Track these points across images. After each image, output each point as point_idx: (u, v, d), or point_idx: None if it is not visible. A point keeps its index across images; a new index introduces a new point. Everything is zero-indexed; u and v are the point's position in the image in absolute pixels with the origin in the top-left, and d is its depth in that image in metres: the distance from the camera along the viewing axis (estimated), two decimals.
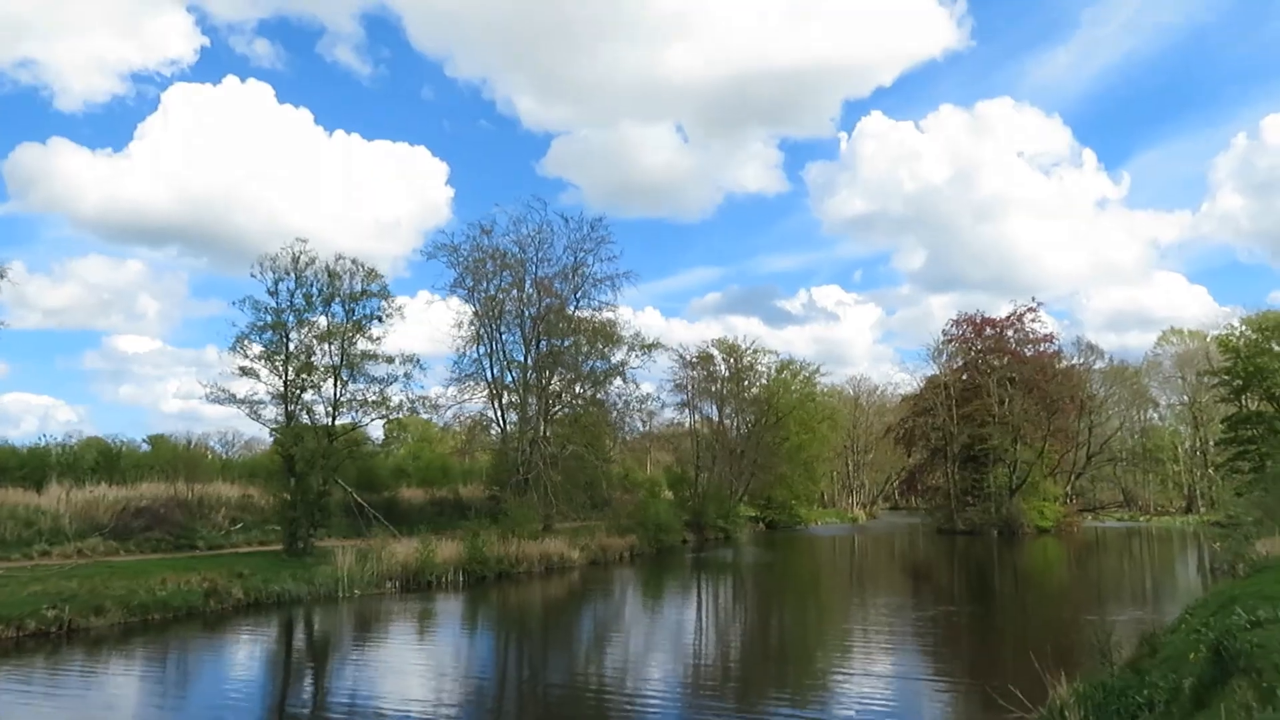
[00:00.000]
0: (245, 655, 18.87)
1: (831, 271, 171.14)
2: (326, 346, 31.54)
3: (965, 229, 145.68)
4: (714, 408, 64.50)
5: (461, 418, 44.70)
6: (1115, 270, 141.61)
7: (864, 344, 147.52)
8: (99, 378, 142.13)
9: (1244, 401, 65.77)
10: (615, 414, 47.14)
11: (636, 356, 48.27)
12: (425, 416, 43.87)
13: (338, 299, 31.72)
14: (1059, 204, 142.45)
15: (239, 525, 35.56)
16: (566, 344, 44.85)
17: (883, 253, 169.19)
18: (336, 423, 31.81)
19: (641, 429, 51.03)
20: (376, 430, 49.81)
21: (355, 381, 31.84)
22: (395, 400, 32.00)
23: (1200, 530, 37.48)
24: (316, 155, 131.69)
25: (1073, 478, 69.30)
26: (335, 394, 31.64)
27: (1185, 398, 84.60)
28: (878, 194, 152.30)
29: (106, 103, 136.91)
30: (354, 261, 32.13)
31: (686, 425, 63.36)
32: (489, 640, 22.25)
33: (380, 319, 31.89)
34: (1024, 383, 62.74)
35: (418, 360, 32.77)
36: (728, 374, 64.87)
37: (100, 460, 41.86)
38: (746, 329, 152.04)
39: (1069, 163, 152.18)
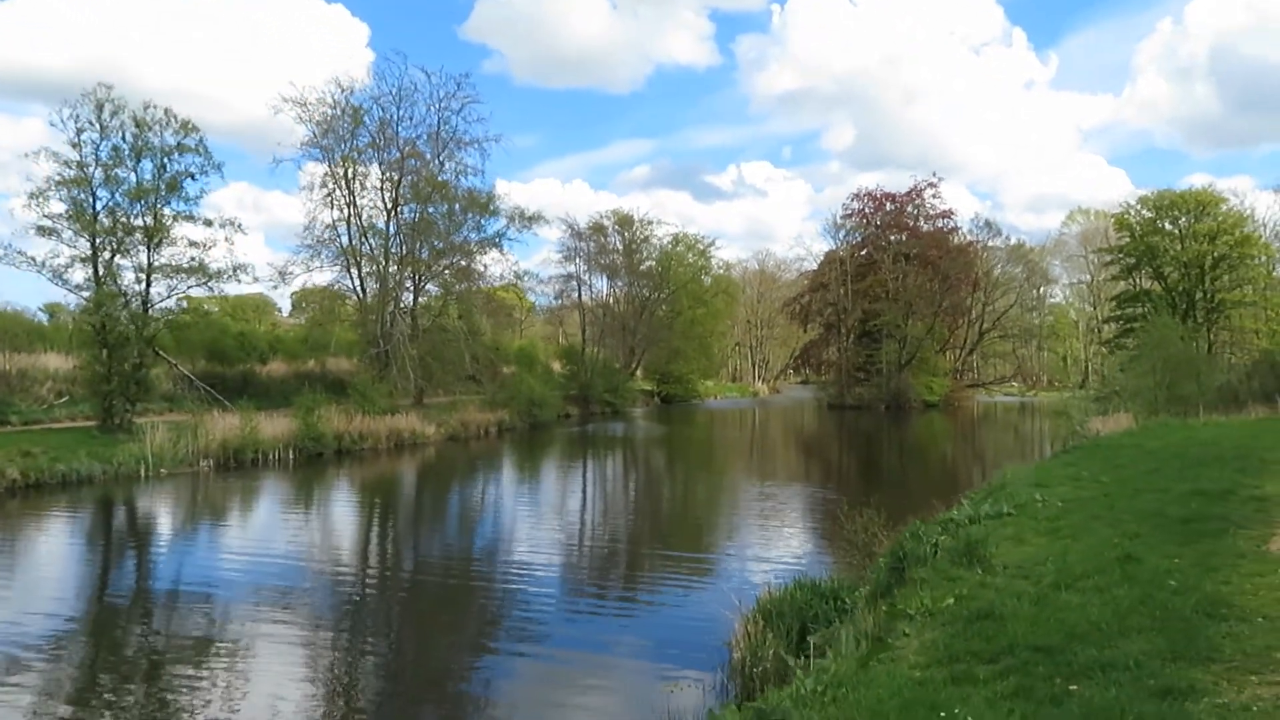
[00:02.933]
0: None
1: (761, 148, 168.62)
2: (138, 207, 28.63)
3: (895, 108, 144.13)
4: (605, 280, 62.78)
5: (318, 288, 42.10)
6: (1039, 153, 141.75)
7: (793, 221, 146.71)
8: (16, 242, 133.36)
9: (1135, 279, 66.30)
10: (487, 284, 45.04)
11: (517, 228, 45.96)
12: (271, 285, 41.12)
13: (148, 154, 28.65)
14: (988, 85, 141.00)
15: (64, 399, 33.10)
16: (434, 211, 42.25)
17: (812, 130, 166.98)
18: (152, 290, 29.21)
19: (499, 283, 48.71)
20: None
21: (171, 245, 29.08)
22: (215, 267, 29.36)
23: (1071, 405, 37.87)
24: (228, 10, 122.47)
25: (964, 354, 69.69)
26: (149, 259, 28.93)
27: (1087, 276, 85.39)
28: (809, 70, 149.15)
29: None
30: (166, 111, 29.00)
31: (574, 299, 61.49)
32: (307, 519, 20.65)
33: (194, 176, 29.02)
34: (919, 258, 62.12)
35: (238, 223, 30.07)
36: (621, 246, 62.89)
37: None
38: (675, 204, 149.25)
39: (999, 42, 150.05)
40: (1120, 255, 64.16)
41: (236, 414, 29.31)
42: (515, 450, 35.82)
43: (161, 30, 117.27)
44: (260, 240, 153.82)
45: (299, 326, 49.12)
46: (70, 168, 28.14)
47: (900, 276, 60.97)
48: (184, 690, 9.05)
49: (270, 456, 28.41)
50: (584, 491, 25.94)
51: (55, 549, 16.66)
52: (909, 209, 63.56)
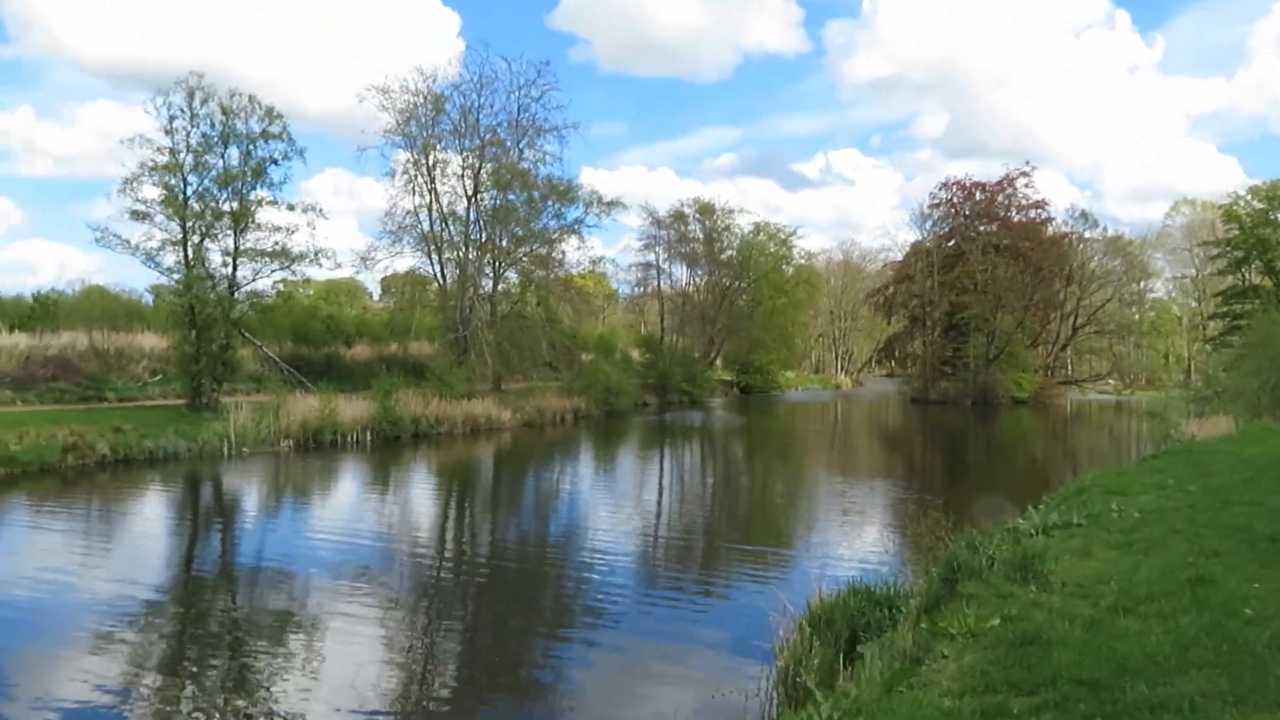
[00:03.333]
0: (66, 518, 17.59)
1: (850, 136, 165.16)
2: (225, 192, 29.40)
3: (989, 94, 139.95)
4: (685, 269, 62.39)
5: (404, 274, 42.74)
6: (1142, 140, 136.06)
7: (881, 210, 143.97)
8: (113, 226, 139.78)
9: (1244, 274, 63.06)
10: (566, 272, 45.16)
11: (596, 215, 45.98)
12: (355, 271, 41.92)
13: (235, 140, 29.39)
14: (1088, 69, 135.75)
15: (157, 378, 34.35)
16: (514, 198, 42.49)
17: (903, 118, 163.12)
18: (238, 274, 29.99)
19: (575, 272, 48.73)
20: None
21: (256, 230, 29.81)
22: (297, 251, 29.98)
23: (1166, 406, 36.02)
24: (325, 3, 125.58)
25: (1056, 349, 67.23)
26: (235, 243, 29.70)
27: (1192, 270, 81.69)
28: (899, 56, 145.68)
29: None
30: (251, 98, 29.69)
31: (654, 287, 61.28)
32: (384, 500, 20.97)
33: (277, 162, 29.65)
34: (1010, 250, 60.17)
35: (319, 208, 30.64)
36: (701, 235, 62.39)
37: (35, 309, 40.67)
38: (761, 192, 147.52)
39: (1101, 25, 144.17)
40: (1228, 248, 61.07)
41: (317, 396, 29.94)
42: (590, 437, 35.86)
43: (261, 24, 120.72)
44: (353, 225, 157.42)
45: (386, 310, 50.01)
46: (163, 154, 29.05)
47: (989, 268, 59.13)
48: (264, 663, 9.28)
49: (348, 438, 28.93)
50: (658, 480, 25.76)
51: (141, 523, 17.20)
52: (1000, 199, 61.55)
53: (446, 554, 15.51)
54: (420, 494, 22.43)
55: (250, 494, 21.56)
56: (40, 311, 40.11)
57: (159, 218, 29.24)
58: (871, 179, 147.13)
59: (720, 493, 23.82)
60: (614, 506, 20.59)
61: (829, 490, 23.69)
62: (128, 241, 29.33)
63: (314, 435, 27.96)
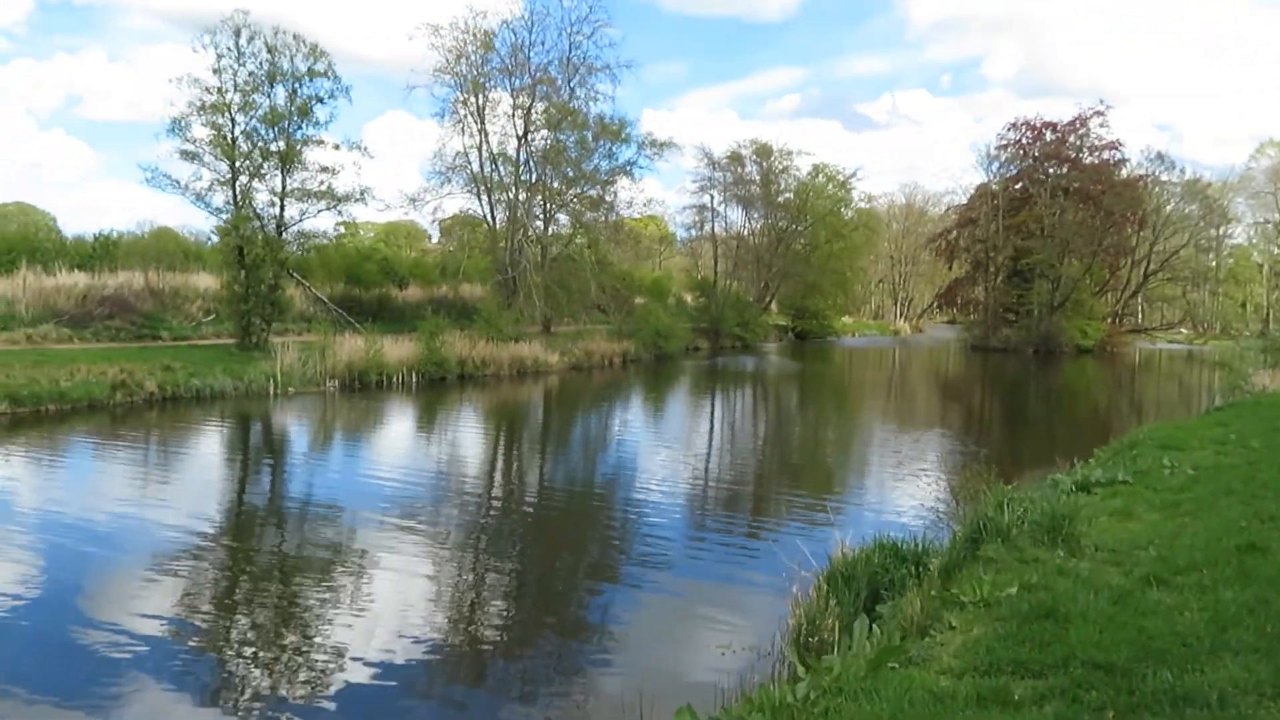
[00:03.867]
0: (115, 454, 17.79)
1: (918, 76, 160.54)
2: (272, 132, 29.29)
3: (1065, 32, 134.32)
4: (740, 211, 61.23)
5: (447, 215, 42.48)
6: (1230, 81, 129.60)
7: (950, 153, 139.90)
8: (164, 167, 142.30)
9: None
10: (617, 215, 44.49)
11: (648, 156, 45.12)
12: (402, 212, 41.75)
13: (281, 79, 29.17)
14: (1172, 6, 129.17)
15: (211, 317, 34.74)
16: (565, 138, 41.83)
17: (974, 57, 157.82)
18: (285, 214, 29.99)
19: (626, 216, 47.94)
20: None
21: (303, 169, 29.72)
22: (342, 191, 29.86)
23: (1237, 356, 34.38)
24: None
25: (1125, 297, 64.83)
26: (283, 183, 29.66)
27: (1276, 215, 78.10)
28: None
29: None
30: (295, 37, 29.41)
31: (708, 230, 60.29)
32: (426, 441, 20.91)
33: (322, 100, 29.40)
34: (1080, 193, 57.82)
35: (364, 147, 30.41)
36: (758, 177, 61.06)
37: (95, 249, 41.41)
38: (825, 134, 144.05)
39: None
40: None
41: (363, 337, 30.01)
42: (638, 381, 35.55)
43: None
44: (414, 168, 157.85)
45: (443, 252, 49.98)
46: (210, 93, 28.98)
47: (1057, 212, 56.93)
48: (312, 597, 9.29)
49: (394, 380, 28.99)
50: (704, 425, 25.33)
51: (187, 460, 17.27)
52: (1071, 139, 58.98)
53: (490, 494, 15.32)
54: (463, 434, 22.34)
55: (295, 433, 21.67)
56: (100, 251, 40.85)
57: (208, 157, 29.34)
58: (940, 121, 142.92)
59: (765, 438, 23.33)
60: (657, 450, 20.29)
61: (880, 438, 23.08)
62: (178, 182, 29.50)
63: (359, 376, 28.05)
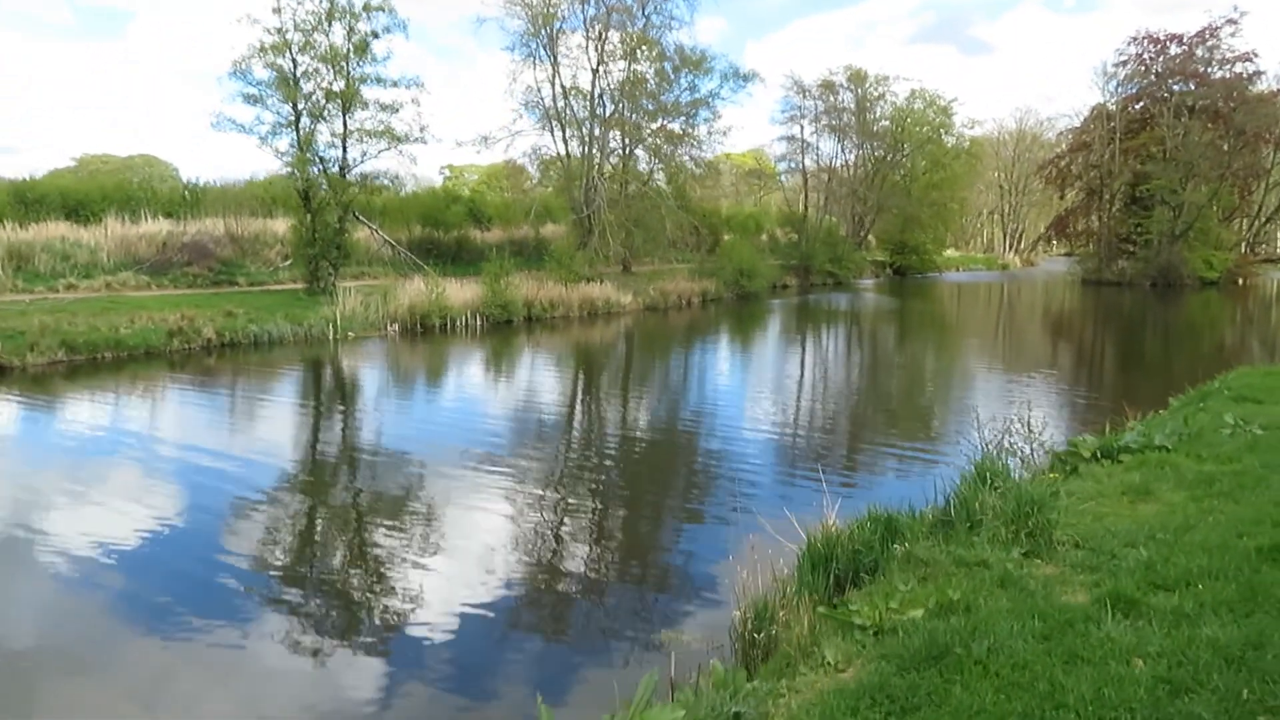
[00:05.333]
0: (157, 400, 17.70)
1: None
2: (331, 71, 28.81)
3: None
4: (835, 142, 58.49)
5: (525, 153, 41.50)
6: None
7: (1074, 76, 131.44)
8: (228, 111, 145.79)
9: None
10: (701, 149, 42.82)
11: (731, 87, 43.25)
12: (474, 150, 40.95)
13: (338, 17, 28.57)
14: None
15: (288, 262, 34.95)
16: (642, 69, 40.33)
17: None
18: (348, 155, 29.61)
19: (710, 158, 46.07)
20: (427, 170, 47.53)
21: (364, 109, 29.21)
22: (401, 129, 29.24)
23: None
24: None
25: (1259, 224, 59.63)
26: (344, 124, 29.25)
27: None
28: None
29: None
30: None
31: (800, 164, 57.84)
32: (477, 385, 20.28)
33: (376, 35, 28.67)
34: (1207, 111, 53.06)
35: (420, 83, 29.64)
36: (853, 105, 58.10)
37: (185, 197, 42.15)
38: (939, 60, 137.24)
39: None
40: None
41: (435, 278, 29.61)
42: (713, 322, 34.34)
43: None
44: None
45: (513, 190, 49.23)
46: (271, 34, 28.63)
47: (1181, 133, 52.37)
48: (388, 544, 9.14)
49: (457, 323, 28.55)
50: (768, 369, 23.98)
51: (226, 409, 16.94)
52: (1199, 52, 53.96)
53: (535, 440, 14.38)
54: (515, 380, 21.46)
55: (348, 378, 21.30)
56: (191, 199, 41.53)
57: (270, 100, 29.10)
58: (1063, 41, 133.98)
59: (835, 383, 21.85)
60: (724, 395, 19.19)
61: (963, 382, 21.36)
62: (242, 125, 29.41)
63: (421, 320, 27.69)
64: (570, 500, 10.81)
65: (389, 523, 9.81)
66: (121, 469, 11.98)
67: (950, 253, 77.00)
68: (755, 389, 20.00)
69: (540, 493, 11.03)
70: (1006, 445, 9.94)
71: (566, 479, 11.83)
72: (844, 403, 18.59)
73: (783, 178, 68.00)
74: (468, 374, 22.19)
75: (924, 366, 24.54)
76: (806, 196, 56.30)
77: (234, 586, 7.96)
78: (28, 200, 34.65)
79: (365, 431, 15.07)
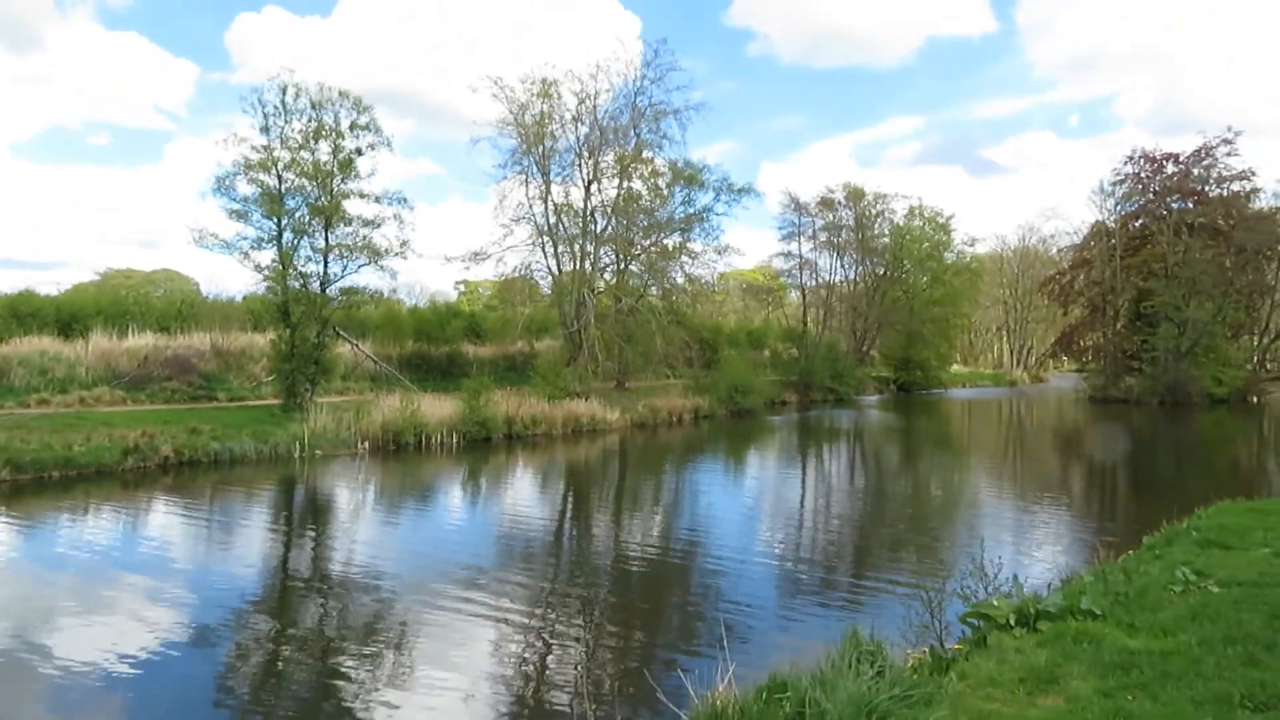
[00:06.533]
0: (79, 527, 16.82)
1: (1045, 118, 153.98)
2: (315, 187, 28.83)
3: (1204, 65, 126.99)
4: (832, 258, 58.51)
5: (516, 268, 41.35)
6: None
7: (1080, 196, 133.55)
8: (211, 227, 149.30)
9: None
10: (690, 264, 42.73)
11: (725, 202, 43.40)
12: (464, 267, 40.94)
13: (325, 135, 28.76)
14: None
15: (272, 377, 34.48)
16: (635, 186, 40.62)
17: (1104, 96, 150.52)
18: (328, 270, 29.42)
19: (712, 279, 46.00)
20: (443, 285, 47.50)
21: (347, 225, 29.13)
22: (384, 245, 29.07)
23: None
24: (510, 13, 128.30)
25: (1265, 340, 58.61)
26: (326, 239, 29.13)
27: None
28: (1100, 30, 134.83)
29: None
30: (341, 92, 29.01)
31: (799, 280, 57.79)
32: (439, 510, 19.25)
33: (360, 152, 28.78)
34: (1206, 228, 52.87)
35: (404, 199, 29.63)
36: (852, 222, 58.36)
37: (181, 309, 42.10)
38: (948, 180, 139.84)
39: None
40: None
41: (411, 394, 28.98)
42: (700, 440, 33.42)
43: (444, 45, 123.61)
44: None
45: (503, 307, 49.06)
46: (258, 151, 28.79)
47: (1182, 250, 52.10)
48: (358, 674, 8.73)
49: (433, 440, 27.76)
50: (754, 492, 22.93)
51: (149, 537, 16.03)
52: (1196, 171, 54.16)
53: (493, 571, 13.26)
54: (483, 503, 20.54)
55: (301, 501, 20.38)
56: (186, 313, 41.46)
57: (255, 215, 29.06)
58: (1069, 163, 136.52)
59: (811, 507, 20.77)
60: (683, 522, 18.14)
61: (944, 512, 20.26)
62: (225, 242, 29.27)
63: (395, 437, 26.93)
64: (509, 646, 9.84)
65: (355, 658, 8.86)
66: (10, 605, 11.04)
67: (957, 368, 76.25)
68: (710, 517, 18.95)
69: (478, 634, 10.09)
70: (962, 590, 8.95)
71: (509, 619, 10.74)
72: (807, 533, 17.51)
73: (789, 293, 68.14)
74: (429, 496, 21.29)
75: (907, 490, 23.45)
76: (805, 312, 55.99)
77: None
78: (20, 314, 34.55)
79: (298, 563, 14.08)
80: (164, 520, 16.98)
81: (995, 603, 6.08)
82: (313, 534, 16.47)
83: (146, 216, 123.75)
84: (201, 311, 41.68)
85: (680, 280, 42.63)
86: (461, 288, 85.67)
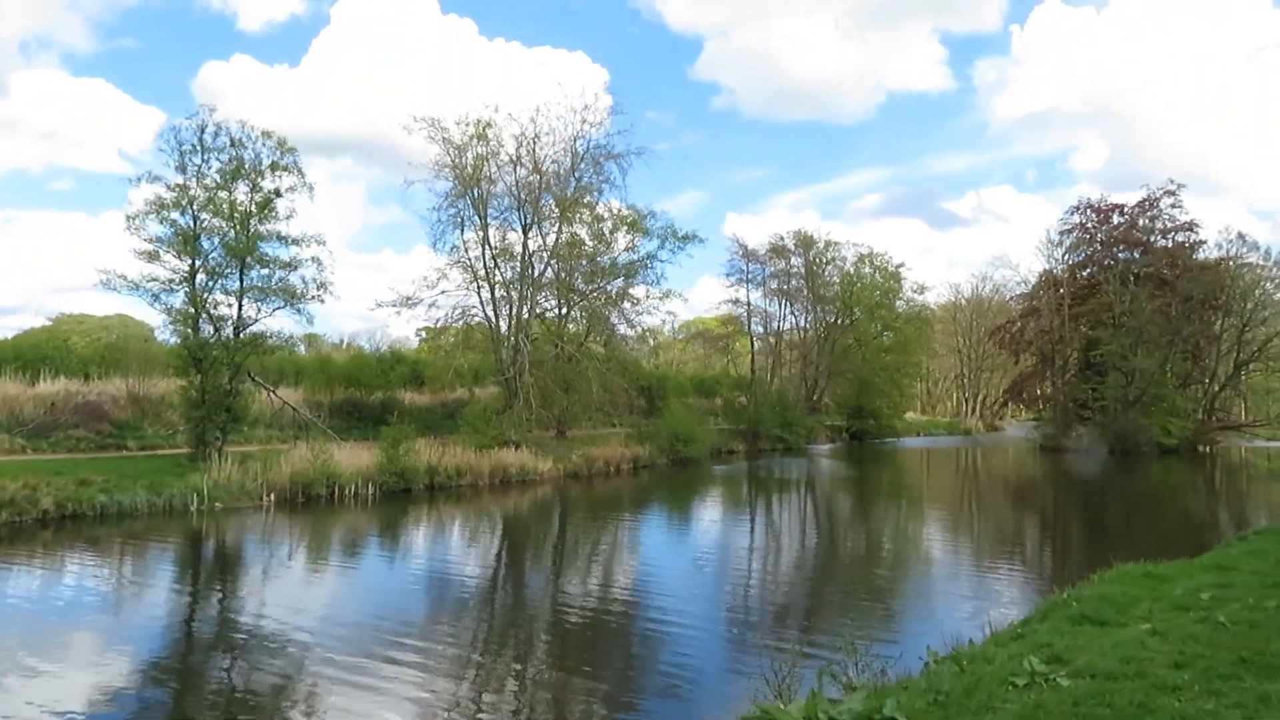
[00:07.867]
0: None
1: (1003, 172, 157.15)
2: (232, 228, 27.75)
3: (1154, 123, 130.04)
4: (783, 305, 58.08)
5: (446, 315, 40.22)
6: None
7: (1030, 244, 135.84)
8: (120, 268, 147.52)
9: None
10: (629, 311, 41.95)
11: (668, 249, 42.76)
12: (393, 310, 39.80)
13: (243, 175, 27.74)
14: (1267, 92, 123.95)
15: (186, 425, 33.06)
16: (572, 232, 39.92)
17: (1059, 151, 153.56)
18: (242, 313, 28.22)
19: (643, 329, 45.33)
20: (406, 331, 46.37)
21: (264, 267, 28.04)
22: (300, 288, 27.97)
23: None
24: (479, 64, 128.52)
25: (1215, 390, 58.60)
26: (241, 281, 28.00)
27: None
28: (1054, 89, 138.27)
29: (285, 21, 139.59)
30: (264, 132, 28.09)
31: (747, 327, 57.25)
32: (335, 569, 17.86)
33: (279, 194, 27.78)
34: (1152, 278, 53.04)
35: (321, 241, 28.59)
36: (802, 269, 58.01)
37: (104, 355, 40.51)
38: (909, 232, 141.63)
39: (1277, 46, 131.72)
40: None
41: (323, 442, 27.72)
42: (636, 492, 32.29)
43: (420, 99, 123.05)
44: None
45: (431, 352, 47.87)
46: (172, 190, 27.70)
47: (1128, 300, 52.16)
48: None
49: (346, 492, 26.45)
50: (685, 546, 21.77)
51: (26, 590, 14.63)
52: (1141, 222, 54.50)
53: (371, 644, 12.08)
54: (388, 561, 19.17)
55: (182, 560, 18.90)
56: (110, 358, 39.90)
57: (167, 256, 27.86)
58: (1026, 216, 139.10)
59: (734, 564, 19.70)
60: (594, 582, 16.96)
61: (863, 572, 19.30)
62: (134, 284, 27.97)
63: (305, 488, 25.58)
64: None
65: None
66: None
67: (912, 416, 75.88)
68: (621, 574, 17.86)
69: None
70: (828, 668, 7.98)
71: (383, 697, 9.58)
72: (709, 590, 16.41)
73: (741, 340, 67.60)
74: (326, 552, 19.97)
75: (831, 545, 22.48)
76: (754, 360, 55.35)
77: None
78: None
79: (163, 629, 12.65)
80: (23, 582, 15.60)
81: (782, 705, 5.12)
82: (189, 596, 15.20)
83: (108, 261, 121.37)
84: (129, 357, 40.19)
85: (623, 329, 41.80)
86: (423, 335, 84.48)
